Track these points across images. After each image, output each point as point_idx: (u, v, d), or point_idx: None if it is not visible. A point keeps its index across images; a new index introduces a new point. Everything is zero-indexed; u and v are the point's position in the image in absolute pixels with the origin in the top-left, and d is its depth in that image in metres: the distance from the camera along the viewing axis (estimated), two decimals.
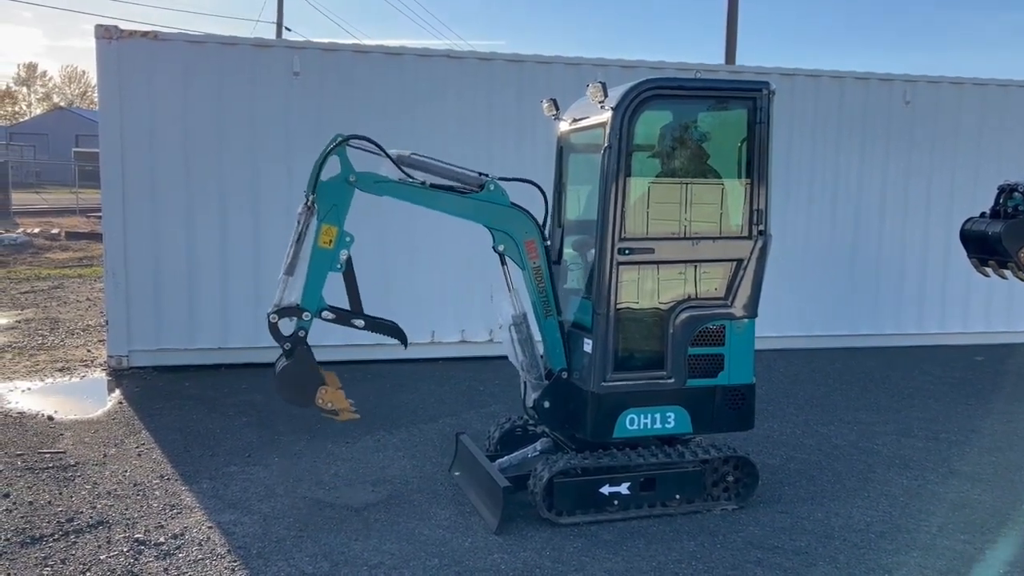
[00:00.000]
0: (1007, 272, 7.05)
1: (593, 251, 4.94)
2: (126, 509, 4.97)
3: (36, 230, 21.25)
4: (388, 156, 4.82)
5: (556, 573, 4.30)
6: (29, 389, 7.65)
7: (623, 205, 4.78)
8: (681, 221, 4.99)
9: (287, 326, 4.69)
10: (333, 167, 4.72)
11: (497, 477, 4.88)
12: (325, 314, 4.74)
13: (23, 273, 15.26)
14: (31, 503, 5.02)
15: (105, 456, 5.89)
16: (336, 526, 4.79)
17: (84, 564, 4.27)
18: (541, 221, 5.03)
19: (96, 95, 9.73)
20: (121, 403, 7.24)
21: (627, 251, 4.81)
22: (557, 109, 5.62)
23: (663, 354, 4.97)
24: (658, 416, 4.97)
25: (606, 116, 4.79)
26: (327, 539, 4.62)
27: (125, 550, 4.43)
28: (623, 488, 4.91)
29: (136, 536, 4.60)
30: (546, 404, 5.04)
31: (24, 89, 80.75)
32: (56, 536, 4.58)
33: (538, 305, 4.98)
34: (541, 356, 5.15)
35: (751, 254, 5.00)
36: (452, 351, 8.96)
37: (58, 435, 6.32)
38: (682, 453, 5.01)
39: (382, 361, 8.29)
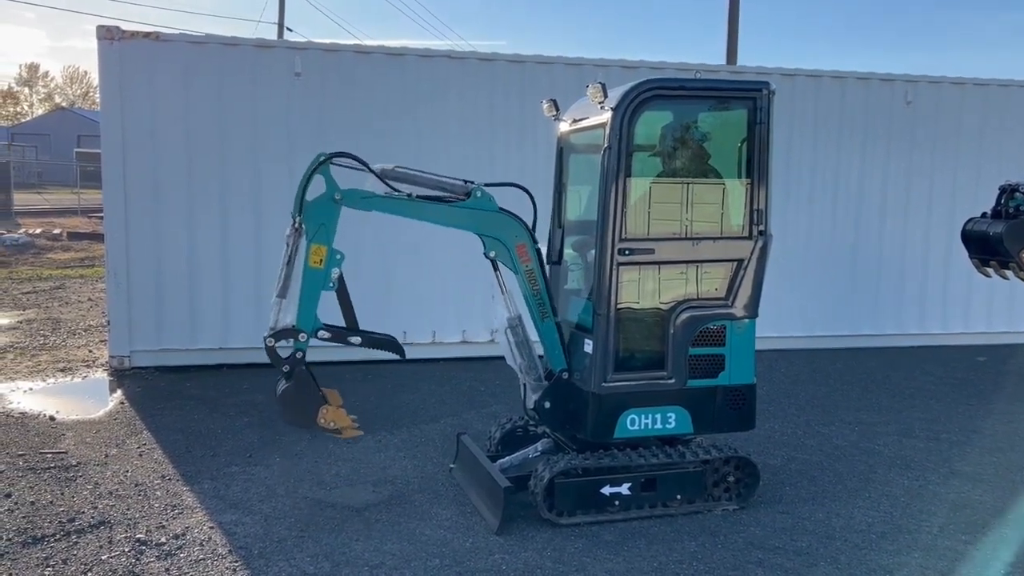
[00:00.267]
0: (1008, 272, 7.05)
1: (593, 252, 4.94)
2: (127, 509, 4.97)
3: (38, 230, 21.26)
4: (372, 171, 4.82)
5: (557, 573, 4.30)
6: (31, 389, 7.67)
7: (623, 205, 4.78)
8: (681, 221, 4.99)
9: (284, 348, 4.70)
10: (318, 186, 4.70)
11: (498, 477, 4.89)
12: (321, 333, 4.75)
13: (25, 273, 15.28)
14: (33, 503, 5.03)
15: (107, 456, 5.90)
16: (337, 526, 4.80)
17: (86, 564, 4.28)
18: (531, 224, 5.02)
19: (98, 95, 9.73)
20: (123, 403, 7.25)
21: (627, 251, 4.81)
22: (557, 110, 5.62)
23: (664, 354, 4.97)
24: (659, 416, 4.97)
25: (606, 116, 4.79)
26: (328, 539, 4.63)
27: (126, 550, 4.44)
28: (624, 488, 4.92)
29: (137, 536, 4.61)
30: (547, 405, 5.04)
31: (26, 89, 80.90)
32: (58, 536, 4.59)
33: (534, 308, 4.99)
34: (540, 357, 5.15)
35: (752, 254, 5.00)
36: (453, 351, 8.97)
37: (60, 435, 6.33)
38: (683, 453, 5.01)
39: (383, 361, 8.26)
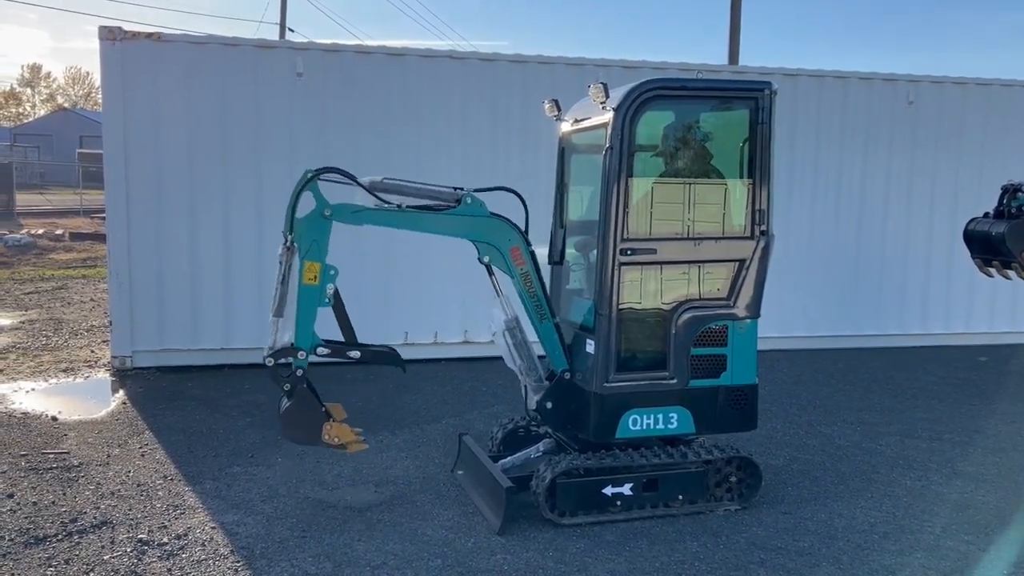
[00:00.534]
0: (1011, 272, 7.04)
1: (595, 252, 4.94)
2: (130, 509, 4.98)
3: (40, 231, 21.29)
4: (360, 184, 4.81)
5: (559, 573, 4.30)
6: (33, 390, 7.67)
7: (625, 206, 4.78)
8: (683, 221, 4.99)
9: (284, 367, 4.70)
10: (308, 203, 4.70)
11: (500, 478, 4.89)
12: (320, 350, 4.75)
13: (27, 274, 15.30)
14: (35, 503, 5.03)
15: (109, 456, 5.90)
16: (339, 527, 4.80)
17: (88, 564, 4.28)
18: (523, 227, 5.00)
19: (100, 96, 9.74)
20: (125, 404, 7.26)
21: (629, 252, 4.81)
22: (559, 110, 5.62)
23: (666, 354, 4.97)
24: (661, 416, 4.97)
25: (608, 116, 4.79)
26: (330, 540, 4.63)
27: (129, 550, 4.44)
28: (626, 489, 4.92)
29: (140, 536, 4.61)
30: (548, 405, 5.04)
31: (28, 90, 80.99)
32: (60, 536, 4.59)
33: (532, 310, 4.99)
34: (541, 357, 5.15)
35: (753, 254, 4.99)
36: (455, 351, 8.97)
37: (62, 435, 6.33)
38: (685, 454, 5.00)
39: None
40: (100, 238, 18.69)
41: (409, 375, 8.16)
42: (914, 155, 10.06)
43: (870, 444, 6.51)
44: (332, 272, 4.71)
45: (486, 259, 4.92)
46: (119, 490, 5.28)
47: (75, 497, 5.15)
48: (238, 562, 4.35)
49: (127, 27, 8.22)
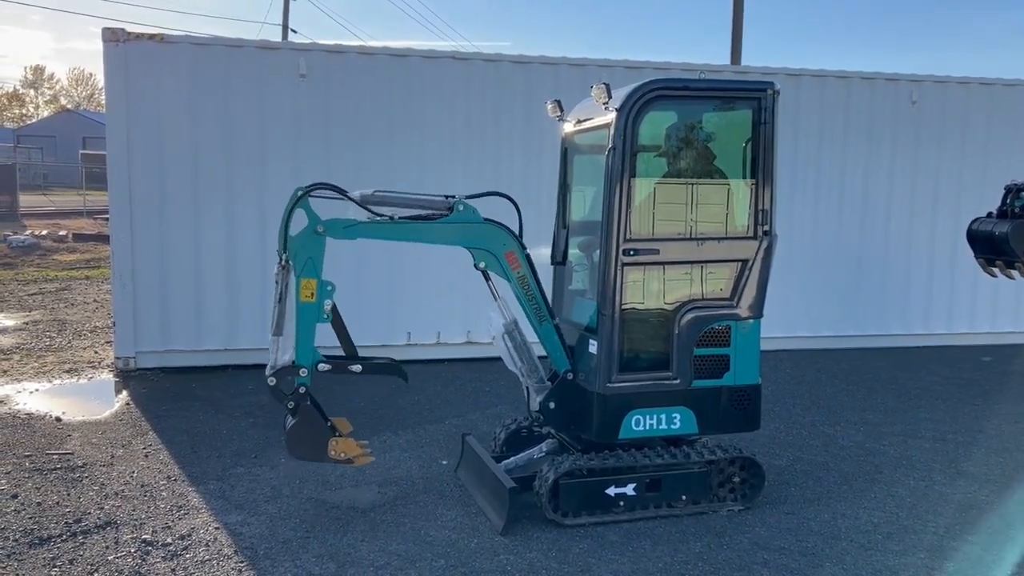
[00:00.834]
0: (1014, 272, 7.04)
1: (598, 252, 4.94)
2: (133, 510, 4.99)
3: (44, 232, 21.33)
4: (351, 199, 4.81)
5: (562, 574, 4.30)
6: (37, 390, 7.69)
7: (628, 206, 4.78)
8: (686, 222, 4.99)
9: (287, 385, 4.71)
10: (300, 220, 4.69)
11: (503, 478, 4.89)
12: (321, 366, 4.75)
13: (31, 275, 15.33)
14: (39, 504, 5.04)
15: (112, 457, 5.91)
16: (342, 527, 4.81)
17: (92, 565, 4.29)
18: (517, 230, 4.99)
19: (103, 97, 9.76)
20: (128, 404, 7.27)
21: (632, 252, 4.81)
22: (561, 110, 5.62)
23: (668, 355, 4.97)
24: (664, 417, 4.97)
25: (610, 117, 4.79)
26: (333, 540, 4.63)
27: (133, 551, 4.45)
28: (629, 489, 4.92)
29: (144, 537, 4.62)
30: (551, 405, 5.04)
31: (31, 91, 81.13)
32: (64, 537, 4.60)
33: (530, 312, 4.99)
34: (542, 357, 5.15)
35: (756, 254, 4.99)
36: (458, 352, 8.97)
37: (66, 436, 6.35)
38: (688, 454, 5.00)
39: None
40: (103, 239, 18.72)
41: (412, 375, 8.15)
42: (917, 155, 10.05)
43: (873, 444, 6.50)
44: (329, 288, 4.71)
45: (482, 265, 4.93)
46: (123, 491, 5.29)
47: (79, 498, 5.16)
48: (242, 562, 4.35)
49: (130, 29, 8.23)
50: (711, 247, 4.98)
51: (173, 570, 4.26)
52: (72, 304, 12.28)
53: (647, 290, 4.98)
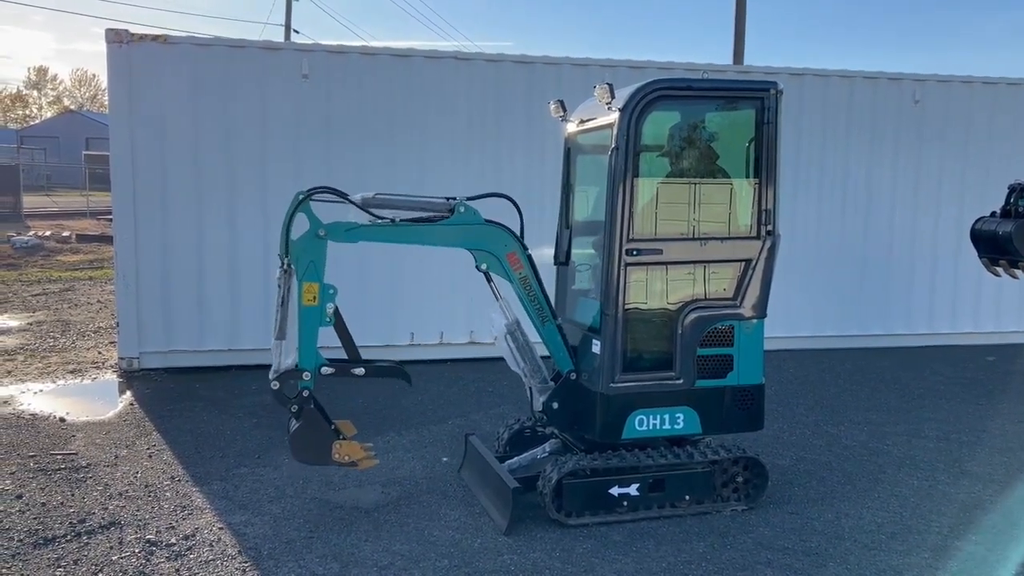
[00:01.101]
0: (1018, 272, 7.01)
1: (601, 252, 4.94)
2: (137, 510, 5.00)
3: (47, 232, 21.38)
4: (352, 202, 4.81)
5: (566, 574, 4.30)
6: (41, 391, 7.70)
7: (631, 206, 4.78)
8: (689, 221, 4.99)
9: (290, 389, 4.71)
10: (301, 224, 4.70)
11: (506, 478, 4.89)
12: (324, 369, 4.76)
13: (34, 275, 15.36)
14: (44, 504, 5.05)
15: (116, 457, 5.92)
16: (346, 527, 4.81)
17: (96, 565, 4.30)
18: (518, 231, 4.99)
19: (106, 98, 9.78)
20: (132, 405, 7.28)
21: (635, 252, 4.81)
22: (564, 110, 5.62)
23: (672, 355, 4.97)
24: (667, 417, 4.97)
25: (613, 117, 4.79)
26: (337, 540, 4.64)
27: (137, 551, 4.46)
28: (632, 489, 4.91)
29: (148, 537, 4.63)
30: (555, 405, 5.05)
31: (35, 92, 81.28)
32: (68, 537, 4.61)
33: (533, 313, 4.99)
34: (545, 358, 5.15)
35: (760, 254, 4.99)
36: (461, 352, 8.98)
37: (70, 437, 6.36)
38: (691, 454, 5.00)
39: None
40: (107, 240, 18.76)
41: (415, 375, 8.16)
42: (920, 154, 10.04)
43: (877, 444, 6.50)
44: (331, 291, 4.72)
45: (483, 266, 4.93)
46: (127, 491, 5.30)
47: (83, 498, 5.17)
48: (246, 562, 4.36)
49: (133, 30, 8.24)
50: (714, 247, 4.98)
51: (177, 570, 4.27)
52: (76, 305, 12.30)
53: (650, 290, 4.98)
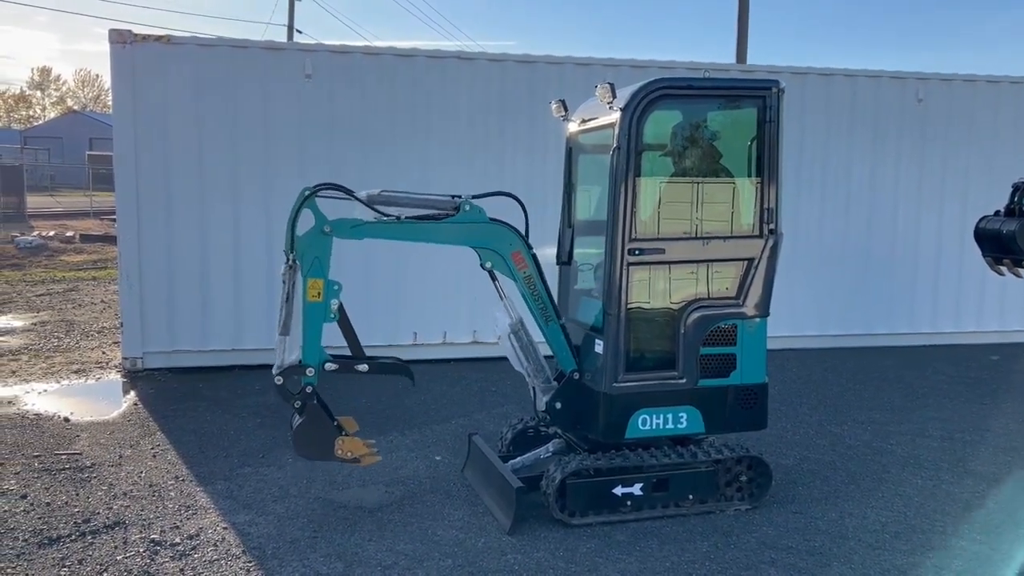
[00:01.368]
0: (1022, 271, 7.00)
1: (604, 251, 4.93)
2: (142, 510, 5.01)
3: (51, 233, 21.42)
4: (358, 199, 4.82)
5: (569, 573, 4.30)
6: (45, 391, 7.72)
7: (633, 205, 4.78)
8: (692, 221, 4.99)
9: (294, 384, 4.72)
10: (307, 221, 4.71)
11: (510, 478, 4.89)
12: (328, 365, 4.77)
13: (38, 276, 15.39)
14: (48, 504, 5.07)
15: (121, 457, 5.94)
16: (350, 527, 4.82)
17: (101, 564, 4.31)
18: (524, 230, 5.00)
19: (109, 98, 9.80)
20: (136, 405, 7.30)
21: (638, 251, 4.81)
22: (566, 110, 5.62)
23: (675, 354, 4.97)
24: (670, 416, 4.97)
25: (615, 116, 4.79)
26: (341, 540, 4.64)
27: (141, 550, 4.47)
28: (636, 489, 4.91)
29: (152, 537, 4.64)
30: (558, 405, 5.05)
31: (38, 93, 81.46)
32: (73, 537, 4.63)
33: (536, 312, 4.99)
34: (548, 358, 5.15)
35: (762, 253, 4.99)
36: (464, 352, 8.98)
37: (74, 436, 6.37)
38: (695, 453, 5.00)
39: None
40: (110, 240, 18.78)
41: (418, 375, 8.15)
42: (924, 153, 10.02)
43: (880, 443, 6.49)
44: (336, 287, 4.72)
45: (488, 265, 4.93)
46: (131, 491, 5.31)
47: (88, 498, 5.18)
48: (250, 562, 4.37)
49: (137, 30, 8.26)
50: (717, 246, 4.98)
51: (182, 570, 4.28)
52: (79, 305, 12.32)
53: (653, 289, 4.98)
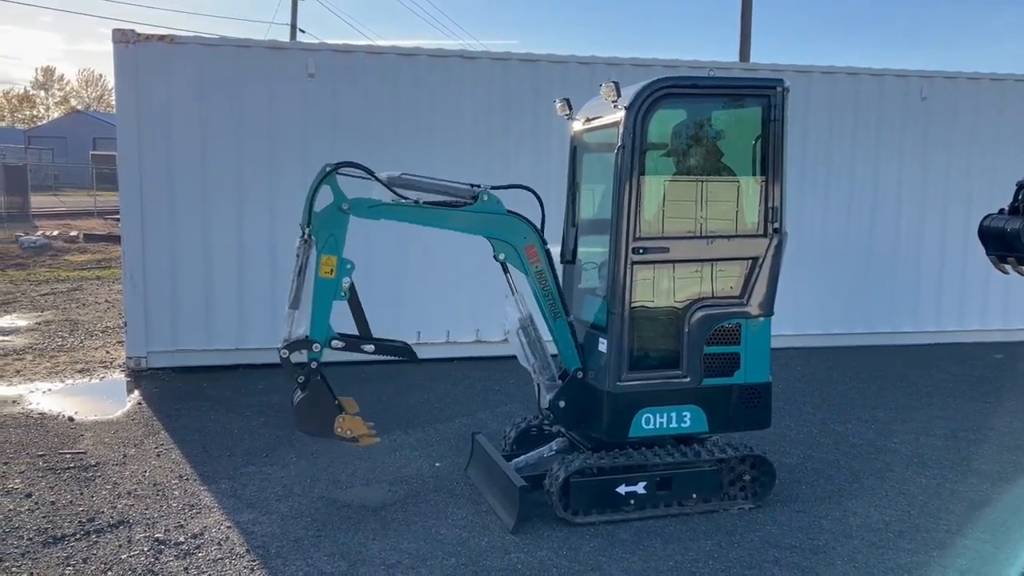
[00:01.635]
0: None
1: (608, 250, 4.93)
2: (146, 509, 5.02)
3: (55, 232, 21.46)
4: (378, 179, 4.83)
5: (573, 572, 4.30)
6: (49, 390, 7.74)
7: (637, 204, 4.77)
8: (696, 220, 4.98)
9: (299, 359, 4.72)
10: (325, 197, 4.72)
11: (513, 477, 4.89)
12: (335, 343, 4.77)
13: (42, 275, 15.42)
14: (53, 503, 5.08)
15: (125, 456, 5.95)
16: (353, 526, 4.82)
17: (105, 563, 4.32)
18: (540, 225, 5.01)
19: (113, 98, 9.81)
20: (140, 404, 7.31)
21: (641, 250, 4.80)
22: (570, 109, 5.62)
23: (679, 353, 4.96)
24: (674, 415, 4.96)
25: (619, 115, 4.79)
26: (345, 538, 4.65)
27: (146, 549, 4.48)
28: (639, 487, 4.91)
29: (156, 536, 4.64)
30: (561, 404, 5.05)
31: (42, 93, 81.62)
32: (78, 536, 4.64)
33: (546, 308, 4.99)
34: (553, 356, 5.15)
35: (766, 252, 4.98)
36: (467, 351, 8.98)
37: (78, 436, 6.39)
38: (698, 452, 5.00)
39: (397, 362, 8.27)
40: (114, 239, 18.83)
41: (421, 374, 8.23)
42: (927, 151, 10.00)
43: (884, 442, 6.48)
44: (348, 266, 4.73)
45: (501, 256, 4.93)
46: (135, 490, 5.32)
47: (92, 497, 5.19)
48: (254, 561, 4.37)
49: (140, 30, 8.27)
50: (721, 245, 4.97)
51: (186, 568, 4.29)
52: (84, 304, 12.35)
53: (657, 288, 4.97)
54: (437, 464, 5.84)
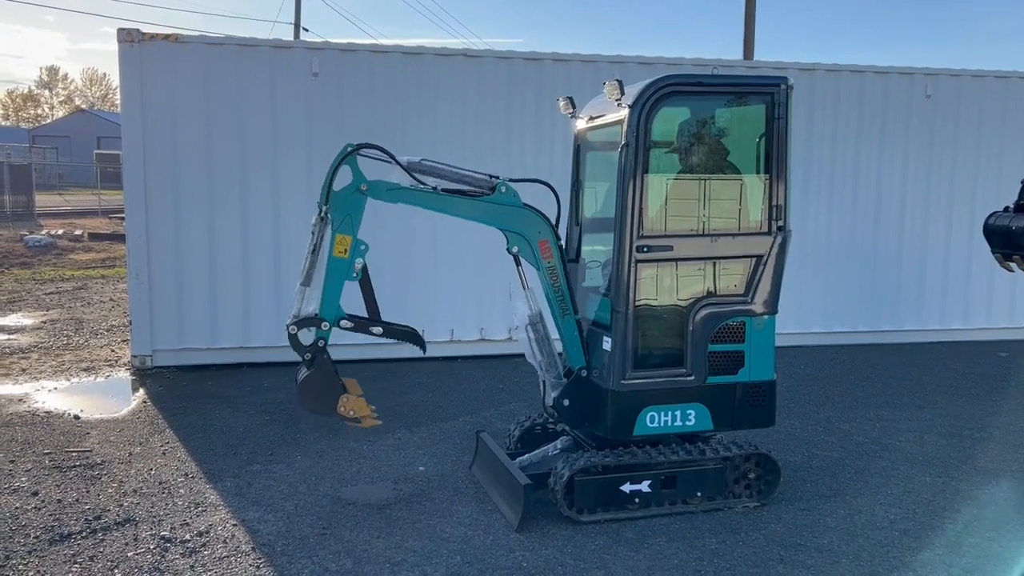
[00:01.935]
0: None
1: (612, 248, 4.93)
2: (152, 507, 5.03)
3: (60, 231, 21.52)
4: (399, 163, 4.83)
5: (578, 571, 4.31)
6: (55, 389, 7.76)
7: (641, 202, 4.77)
8: (700, 218, 4.98)
9: (306, 336, 4.73)
10: (345, 177, 4.73)
11: (518, 475, 4.90)
12: (343, 323, 4.79)
13: (47, 274, 15.46)
14: (59, 501, 5.10)
15: (130, 455, 5.96)
16: (358, 524, 4.83)
17: (112, 561, 4.33)
18: (555, 220, 5.02)
19: (117, 97, 9.83)
20: (145, 402, 7.33)
21: (645, 248, 4.80)
22: (573, 107, 5.62)
23: (683, 351, 4.96)
24: (678, 413, 4.96)
25: (623, 113, 4.78)
26: (350, 536, 4.66)
27: (152, 547, 4.49)
28: (644, 486, 4.91)
29: (162, 534, 4.66)
30: (566, 402, 5.05)
31: (46, 92, 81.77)
32: (84, 534, 4.65)
33: (555, 304, 4.99)
34: (559, 354, 5.16)
35: (771, 250, 4.97)
36: (471, 349, 8.99)
37: (84, 434, 6.41)
38: (703, 450, 5.00)
39: (402, 360, 8.32)
40: (119, 238, 18.87)
41: (425, 373, 8.24)
42: (932, 149, 9.98)
43: (889, 440, 6.48)
44: (363, 247, 4.75)
45: (514, 249, 4.94)
46: (141, 488, 5.34)
47: (98, 495, 5.21)
48: (259, 559, 4.39)
49: (144, 29, 8.28)
50: (725, 243, 4.97)
51: (192, 566, 4.30)
52: (88, 303, 12.38)
53: (661, 286, 4.97)
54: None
